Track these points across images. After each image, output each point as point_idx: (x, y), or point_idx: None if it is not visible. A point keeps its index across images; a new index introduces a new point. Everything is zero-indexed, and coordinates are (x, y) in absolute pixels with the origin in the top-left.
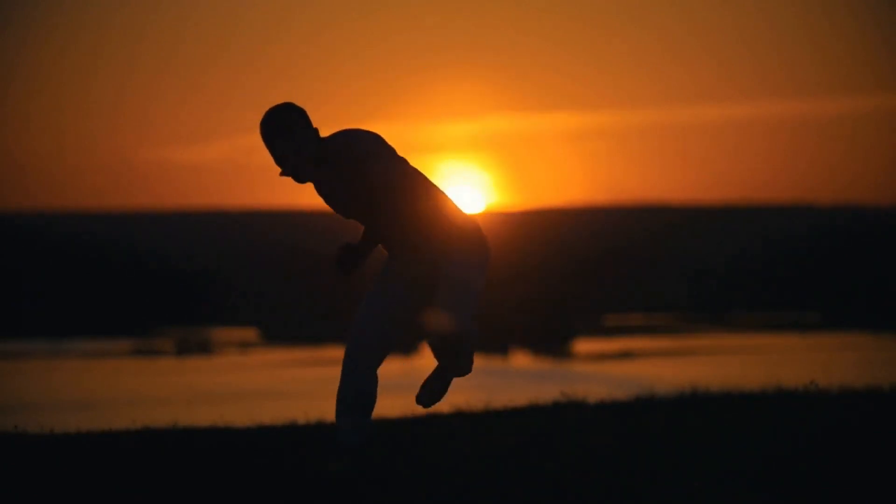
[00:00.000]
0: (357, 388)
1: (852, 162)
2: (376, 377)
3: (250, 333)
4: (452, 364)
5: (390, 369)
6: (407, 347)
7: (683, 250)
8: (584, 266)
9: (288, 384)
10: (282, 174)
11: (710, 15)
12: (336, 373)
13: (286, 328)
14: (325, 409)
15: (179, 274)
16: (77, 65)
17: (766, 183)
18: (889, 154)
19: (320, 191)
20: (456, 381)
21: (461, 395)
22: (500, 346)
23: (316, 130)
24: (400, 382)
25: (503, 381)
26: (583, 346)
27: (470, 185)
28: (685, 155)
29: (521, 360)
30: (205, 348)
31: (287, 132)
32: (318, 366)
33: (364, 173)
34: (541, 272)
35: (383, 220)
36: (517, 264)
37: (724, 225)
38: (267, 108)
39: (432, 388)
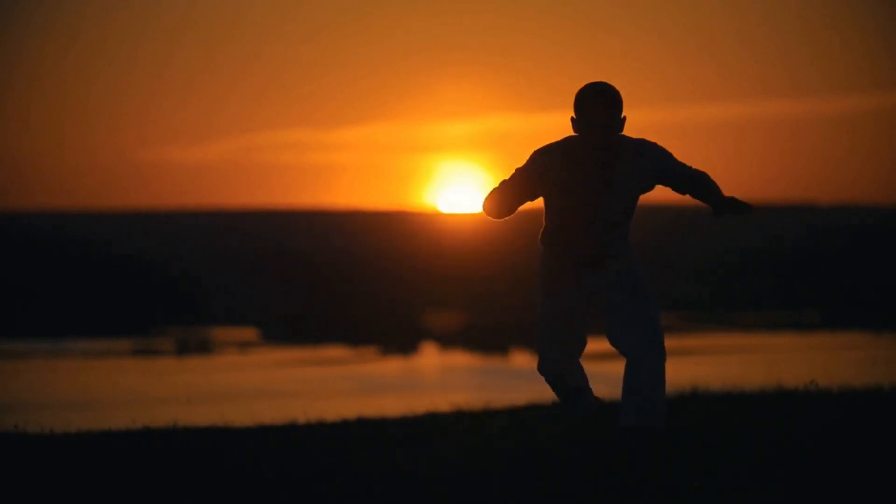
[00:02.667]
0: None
1: (852, 162)
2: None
3: (250, 333)
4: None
5: (391, 369)
6: (406, 348)
7: (683, 250)
8: None
9: (288, 384)
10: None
11: (710, 15)
12: (334, 372)
13: (286, 328)
14: (325, 408)
15: (179, 274)
16: (77, 65)
17: (766, 183)
18: (889, 154)
19: (588, 168)
20: (456, 381)
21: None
22: (500, 345)
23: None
24: (401, 383)
25: (503, 381)
26: None
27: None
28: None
29: (521, 360)
30: (205, 348)
31: (620, 108)
32: (318, 366)
33: (645, 173)
34: None
35: (616, 212)
36: (518, 264)
37: (724, 225)
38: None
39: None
